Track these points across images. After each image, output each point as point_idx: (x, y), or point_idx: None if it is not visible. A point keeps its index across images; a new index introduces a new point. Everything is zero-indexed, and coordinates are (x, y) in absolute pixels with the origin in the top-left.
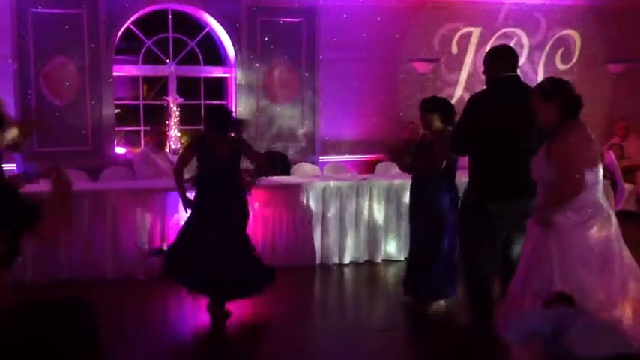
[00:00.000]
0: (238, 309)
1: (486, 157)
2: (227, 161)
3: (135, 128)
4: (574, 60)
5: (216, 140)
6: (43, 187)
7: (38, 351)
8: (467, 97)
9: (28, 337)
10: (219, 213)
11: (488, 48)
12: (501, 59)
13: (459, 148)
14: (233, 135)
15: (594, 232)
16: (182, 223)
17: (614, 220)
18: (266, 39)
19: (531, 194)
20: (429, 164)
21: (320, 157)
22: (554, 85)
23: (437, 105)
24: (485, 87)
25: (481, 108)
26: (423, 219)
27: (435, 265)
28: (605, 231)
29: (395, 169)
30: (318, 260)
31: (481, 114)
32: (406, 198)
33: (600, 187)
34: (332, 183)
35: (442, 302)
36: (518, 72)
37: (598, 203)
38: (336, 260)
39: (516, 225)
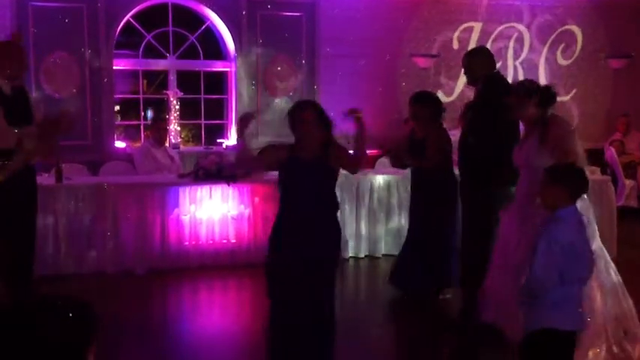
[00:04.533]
0: (234, 306)
1: (502, 147)
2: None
3: (135, 122)
4: (575, 55)
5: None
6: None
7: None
8: (468, 92)
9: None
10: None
11: (489, 43)
12: (488, 58)
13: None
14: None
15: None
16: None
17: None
18: (266, 33)
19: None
20: (431, 161)
21: None
22: (533, 84)
23: (433, 101)
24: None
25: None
26: (431, 205)
27: (449, 253)
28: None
29: None
30: None
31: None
32: (406, 193)
33: None
34: None
35: (448, 292)
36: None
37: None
38: None
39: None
